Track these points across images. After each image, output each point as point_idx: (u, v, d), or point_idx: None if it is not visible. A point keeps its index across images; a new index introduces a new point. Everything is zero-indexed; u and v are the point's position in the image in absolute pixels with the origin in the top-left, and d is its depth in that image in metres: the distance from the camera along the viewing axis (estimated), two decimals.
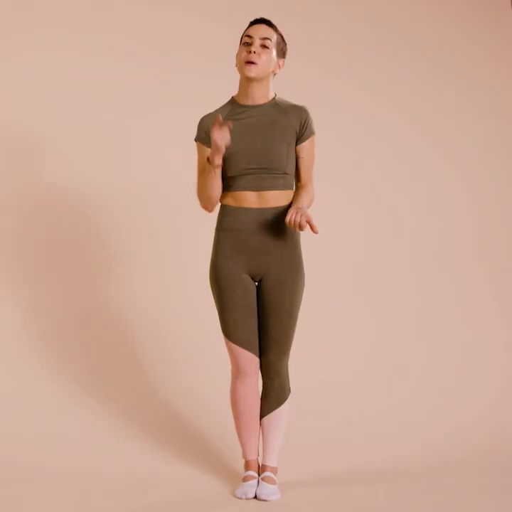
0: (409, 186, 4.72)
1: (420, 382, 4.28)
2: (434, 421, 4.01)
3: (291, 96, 3.30)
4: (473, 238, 4.75)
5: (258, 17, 3.20)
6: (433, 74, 4.81)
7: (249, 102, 3.19)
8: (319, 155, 3.31)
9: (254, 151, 3.13)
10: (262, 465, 3.27)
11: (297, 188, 3.25)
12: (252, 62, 3.10)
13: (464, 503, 3.06)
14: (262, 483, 3.20)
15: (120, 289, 4.24)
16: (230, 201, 3.18)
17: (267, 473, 3.23)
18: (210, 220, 3.30)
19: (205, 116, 3.23)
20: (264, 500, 3.13)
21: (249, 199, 3.16)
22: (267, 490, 3.17)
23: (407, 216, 4.69)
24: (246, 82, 3.17)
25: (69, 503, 3.07)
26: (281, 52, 3.20)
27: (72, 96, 4.24)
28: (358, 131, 4.64)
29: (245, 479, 3.24)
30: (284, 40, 3.21)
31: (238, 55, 3.17)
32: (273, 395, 3.25)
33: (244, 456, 3.30)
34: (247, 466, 3.29)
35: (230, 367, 3.28)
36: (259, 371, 3.26)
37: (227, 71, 3.45)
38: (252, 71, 3.11)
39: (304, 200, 3.14)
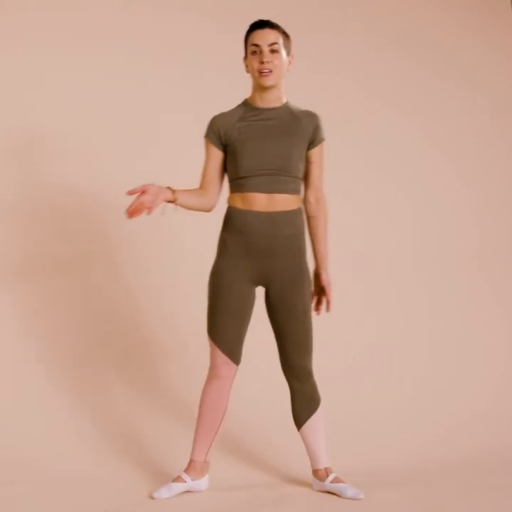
0: (410, 186, 4.72)
1: (420, 382, 4.28)
2: (433, 420, 4.01)
3: (293, 100, 3.29)
4: (474, 238, 4.75)
5: (257, 19, 3.15)
6: (434, 75, 4.82)
7: (264, 105, 3.17)
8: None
9: (268, 152, 3.11)
10: (325, 468, 3.22)
11: (312, 211, 3.23)
12: (268, 71, 3.09)
13: (462, 502, 3.05)
14: (342, 486, 3.14)
15: (120, 290, 4.24)
16: (237, 203, 3.15)
17: (333, 475, 3.20)
18: (217, 220, 3.25)
19: (216, 116, 3.20)
20: (359, 499, 3.07)
21: (259, 201, 3.12)
22: (351, 491, 3.11)
23: (408, 215, 4.68)
24: (260, 87, 3.14)
25: (69, 503, 3.07)
26: (288, 49, 3.16)
27: (73, 96, 4.24)
28: (359, 131, 4.63)
29: (177, 480, 3.17)
30: (287, 35, 3.16)
31: (248, 63, 3.14)
32: (304, 400, 3.23)
33: (192, 455, 3.22)
34: (188, 467, 3.20)
35: None
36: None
37: (238, 70, 3.41)
38: (270, 80, 3.10)
39: (324, 240, 3.26)
